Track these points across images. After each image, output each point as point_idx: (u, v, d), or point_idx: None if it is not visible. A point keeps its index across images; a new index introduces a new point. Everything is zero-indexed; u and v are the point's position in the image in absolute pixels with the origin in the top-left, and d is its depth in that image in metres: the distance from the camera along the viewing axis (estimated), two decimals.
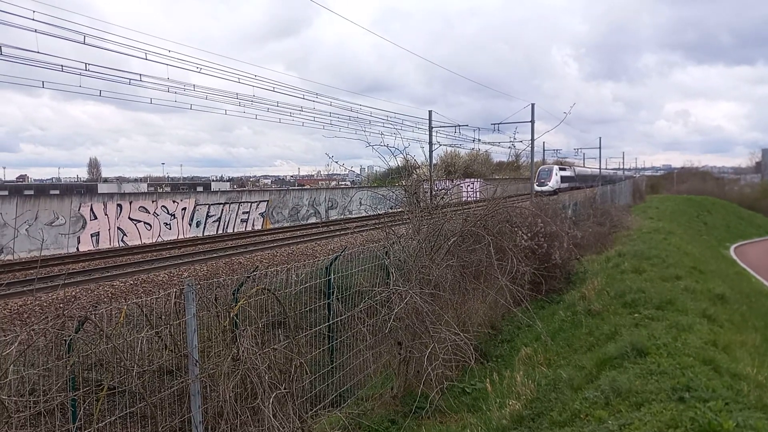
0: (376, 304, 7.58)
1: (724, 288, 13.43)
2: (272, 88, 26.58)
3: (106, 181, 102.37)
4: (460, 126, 43.60)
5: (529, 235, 11.75)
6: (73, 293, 12.17)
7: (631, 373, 6.66)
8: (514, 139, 44.98)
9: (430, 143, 41.60)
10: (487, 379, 7.44)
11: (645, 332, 8.17)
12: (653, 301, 10.09)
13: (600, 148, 76.46)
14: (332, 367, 7.39)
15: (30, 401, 4.06)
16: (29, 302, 11.08)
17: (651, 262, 14.69)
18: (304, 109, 29.31)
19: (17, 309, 10.98)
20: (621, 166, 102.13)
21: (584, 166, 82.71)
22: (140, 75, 20.40)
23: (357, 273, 8.09)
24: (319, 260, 8.13)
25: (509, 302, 9.30)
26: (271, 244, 21.74)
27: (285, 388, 5.70)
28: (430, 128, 42.46)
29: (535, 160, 44.44)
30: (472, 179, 56.12)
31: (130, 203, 24.58)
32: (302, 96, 29.39)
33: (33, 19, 15.92)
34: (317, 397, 6.95)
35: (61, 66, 17.70)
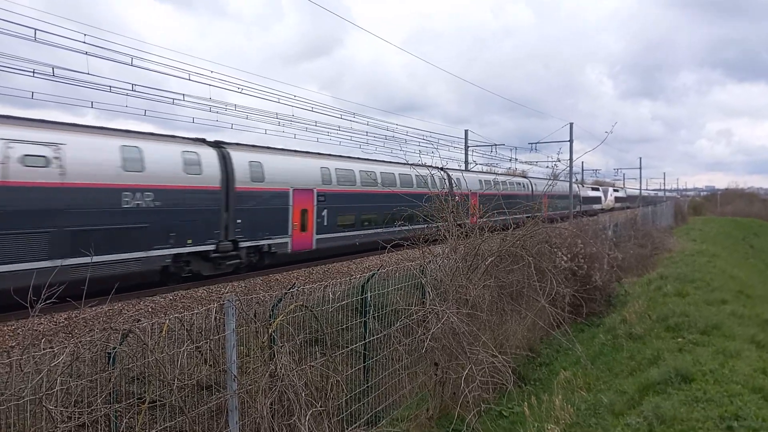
0: (412, 323, 7.54)
1: None
2: (311, 108, 26.88)
3: None
4: (496, 145, 43.47)
5: (569, 256, 11.58)
6: (116, 308, 12.44)
7: (675, 399, 6.47)
8: (557, 159, 44.11)
9: (466, 162, 41.55)
10: (525, 403, 7.31)
11: (690, 358, 7.94)
12: (698, 325, 9.81)
13: (641, 168, 75.45)
14: (367, 386, 7.37)
15: (75, 412, 4.16)
16: (74, 316, 11.37)
17: (695, 285, 14.29)
18: (341, 129, 29.58)
19: (63, 322, 11.29)
20: (662, 187, 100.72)
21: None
22: (183, 95, 20.91)
23: (393, 291, 8.08)
24: (354, 278, 8.14)
25: (549, 324, 9.15)
26: (308, 262, 21.86)
27: (321, 406, 5.70)
28: (466, 147, 42.43)
29: (573, 180, 43.89)
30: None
31: None
32: (340, 116, 29.71)
33: (84, 42, 16.56)
34: (353, 416, 6.92)
35: (110, 87, 18.33)
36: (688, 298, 12.55)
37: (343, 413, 6.55)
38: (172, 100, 20.82)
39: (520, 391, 8.11)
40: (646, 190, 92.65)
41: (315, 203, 19.97)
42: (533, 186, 39.91)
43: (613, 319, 11.80)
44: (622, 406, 6.91)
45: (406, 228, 9.60)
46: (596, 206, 58.92)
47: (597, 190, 66.25)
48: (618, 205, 72.04)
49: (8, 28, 14.94)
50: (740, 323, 10.47)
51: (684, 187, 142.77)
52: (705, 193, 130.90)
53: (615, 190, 79.02)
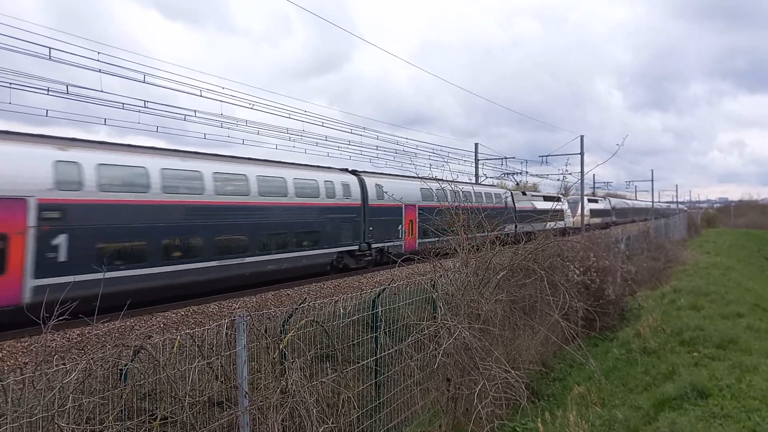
0: (424, 338, 7.50)
1: None
2: (321, 123, 26.96)
3: None
4: (506, 158, 43.42)
5: (581, 269, 11.50)
6: (128, 324, 12.47)
7: (692, 415, 6.38)
8: (567, 171, 42.67)
9: (476, 175, 41.53)
10: (539, 419, 7.22)
11: (706, 372, 7.83)
12: (713, 339, 9.68)
13: (652, 180, 74.94)
14: (379, 403, 7.31)
15: (87, 429, 4.16)
16: (86, 332, 11.41)
17: (709, 298, 14.13)
18: (351, 143, 29.67)
19: (75, 338, 11.34)
20: (675, 199, 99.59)
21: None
22: (194, 111, 21.10)
23: (404, 306, 8.04)
24: (365, 293, 8.11)
25: (562, 339, 9.06)
26: (318, 276, 21.87)
27: (333, 423, 5.66)
28: (476, 160, 42.42)
29: (585, 192, 43.67)
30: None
31: None
32: (350, 130, 29.78)
33: (97, 60, 16.79)
34: None
35: (122, 104, 18.54)
36: (703, 312, 12.39)
37: (354, 430, 6.50)
38: (183, 117, 21.03)
39: (534, 407, 8.01)
40: (659, 202, 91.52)
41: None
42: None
43: (627, 333, 11.67)
44: (637, 422, 6.81)
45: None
46: (553, 225, 30.03)
47: (553, 199, 37.52)
48: (597, 220, 50.42)
49: (24, 47, 15.21)
50: (757, 337, 10.33)
51: (697, 199, 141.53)
52: (718, 204, 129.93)
53: (593, 200, 56.80)
